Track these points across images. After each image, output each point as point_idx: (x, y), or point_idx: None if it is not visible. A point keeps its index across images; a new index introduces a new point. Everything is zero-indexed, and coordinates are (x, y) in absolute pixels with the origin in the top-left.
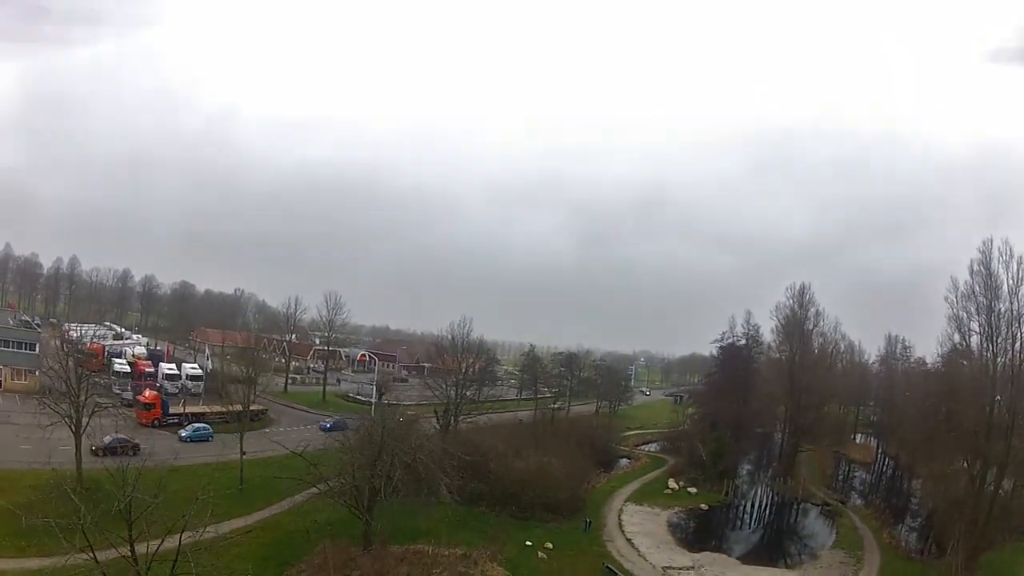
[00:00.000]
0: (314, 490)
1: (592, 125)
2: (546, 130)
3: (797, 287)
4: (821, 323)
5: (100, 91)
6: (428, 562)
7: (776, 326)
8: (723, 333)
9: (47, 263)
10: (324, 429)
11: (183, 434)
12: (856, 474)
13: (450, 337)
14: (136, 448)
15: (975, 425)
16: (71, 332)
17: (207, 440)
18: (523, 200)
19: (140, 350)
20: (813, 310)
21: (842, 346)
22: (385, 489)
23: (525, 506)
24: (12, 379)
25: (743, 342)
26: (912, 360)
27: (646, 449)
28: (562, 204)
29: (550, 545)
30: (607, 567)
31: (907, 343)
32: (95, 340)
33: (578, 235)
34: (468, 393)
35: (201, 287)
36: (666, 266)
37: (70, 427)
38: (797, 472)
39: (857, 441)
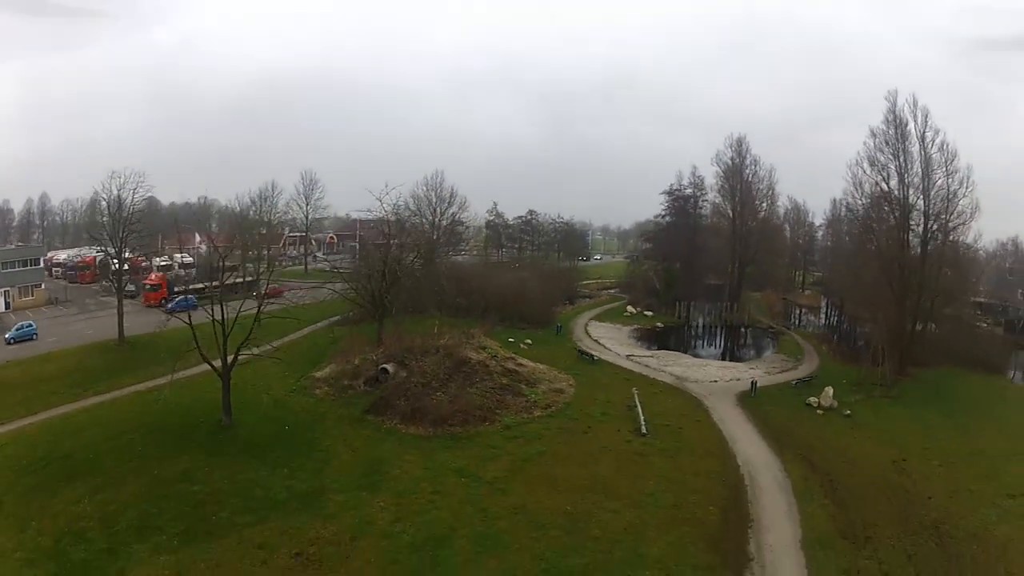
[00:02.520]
0: (320, 324)
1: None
2: (508, 16)
3: (735, 137)
4: (758, 170)
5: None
6: (434, 336)
7: (717, 172)
8: (671, 185)
9: (18, 207)
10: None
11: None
12: (804, 317)
13: (424, 188)
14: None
15: (894, 246)
16: (56, 257)
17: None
18: (487, 86)
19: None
20: (750, 159)
21: (780, 196)
22: (401, 272)
23: (504, 317)
24: (19, 297)
25: (689, 191)
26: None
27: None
28: (528, 88)
29: (529, 341)
30: (579, 351)
31: (851, 205)
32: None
33: (542, 119)
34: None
35: (166, 200)
36: (630, 145)
37: (113, 286)
38: (745, 306)
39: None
